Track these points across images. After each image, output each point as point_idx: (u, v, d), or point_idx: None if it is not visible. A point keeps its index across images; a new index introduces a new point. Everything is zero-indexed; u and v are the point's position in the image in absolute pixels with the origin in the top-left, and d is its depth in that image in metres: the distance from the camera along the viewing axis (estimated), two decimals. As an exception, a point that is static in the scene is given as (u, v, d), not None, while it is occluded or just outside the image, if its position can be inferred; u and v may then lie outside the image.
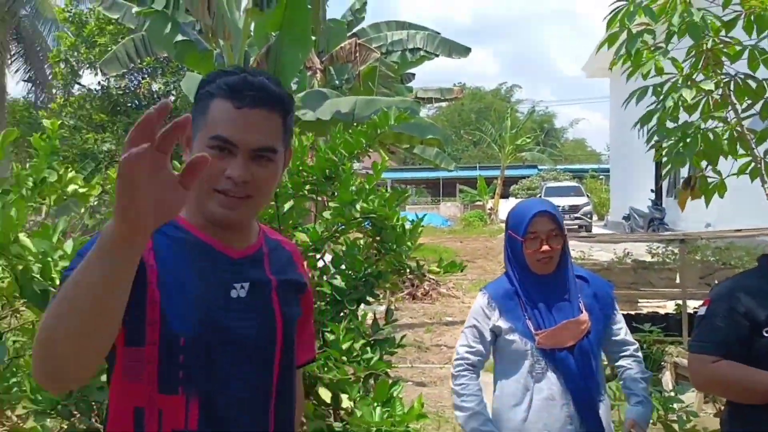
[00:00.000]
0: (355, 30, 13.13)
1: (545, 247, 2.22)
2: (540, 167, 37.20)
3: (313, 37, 9.72)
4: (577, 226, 20.71)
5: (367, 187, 2.86)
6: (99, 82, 17.88)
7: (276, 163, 1.21)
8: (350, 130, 3.04)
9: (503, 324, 2.29)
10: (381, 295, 8.20)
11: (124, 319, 1.04)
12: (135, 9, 9.72)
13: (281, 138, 1.22)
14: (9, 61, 21.56)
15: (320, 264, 2.94)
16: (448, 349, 6.98)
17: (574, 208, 21.87)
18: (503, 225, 2.63)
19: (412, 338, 7.07)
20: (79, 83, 18.72)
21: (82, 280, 0.93)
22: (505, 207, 27.43)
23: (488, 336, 2.33)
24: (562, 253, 2.29)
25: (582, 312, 2.26)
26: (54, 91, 20.49)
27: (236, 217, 1.20)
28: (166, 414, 1.13)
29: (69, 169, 3.25)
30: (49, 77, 20.89)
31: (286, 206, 2.80)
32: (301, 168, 2.89)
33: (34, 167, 3.08)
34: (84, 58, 17.29)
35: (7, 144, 2.06)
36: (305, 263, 2.88)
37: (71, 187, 3.05)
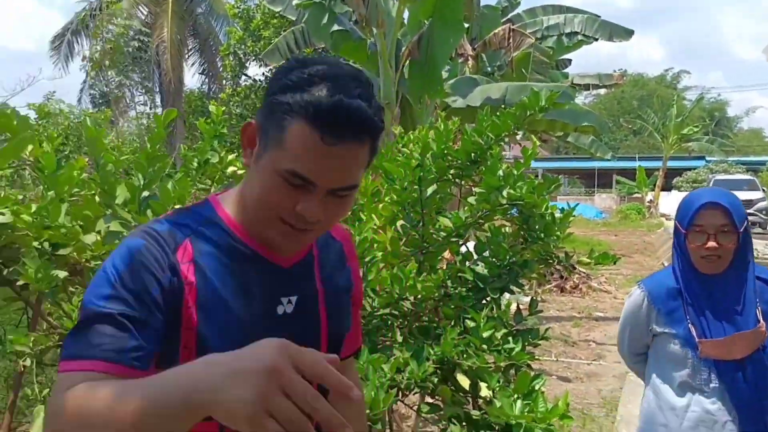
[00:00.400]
0: (509, 16, 12.84)
1: (711, 244, 1.96)
2: (708, 158, 34.41)
3: (466, 24, 9.61)
4: (749, 223, 18.97)
5: (515, 173, 2.76)
6: (263, 73, 18.98)
7: (354, 194, 1.04)
8: (498, 113, 2.96)
9: (662, 327, 2.10)
10: (527, 286, 7.99)
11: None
12: (295, 1, 10.15)
13: (365, 165, 1.05)
14: (186, 56, 23.47)
15: (463, 250, 2.90)
16: (597, 345, 6.66)
17: (747, 204, 20.09)
18: (663, 219, 2.42)
19: (559, 332, 6.83)
20: (245, 74, 19.99)
21: (120, 411, 0.78)
22: (666, 200, 25.72)
23: (646, 336, 2.15)
24: (740, 252, 2.01)
25: (759, 321, 1.98)
26: (224, 82, 22.06)
27: (296, 249, 1.07)
28: None
29: (231, 152, 3.45)
30: (220, 69, 22.50)
31: (429, 190, 2.78)
32: (446, 152, 2.85)
33: (199, 149, 3.32)
34: (250, 51, 18.43)
35: (167, 122, 2.22)
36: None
37: (230, 169, 3.24)
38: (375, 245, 2.64)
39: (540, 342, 2.67)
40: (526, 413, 2.15)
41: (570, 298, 9.32)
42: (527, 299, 2.91)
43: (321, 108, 0.93)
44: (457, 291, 2.65)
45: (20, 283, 2.13)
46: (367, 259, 2.52)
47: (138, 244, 0.97)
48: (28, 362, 2.07)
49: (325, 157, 0.95)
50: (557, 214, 2.78)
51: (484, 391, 2.36)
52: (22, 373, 2.16)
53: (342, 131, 0.94)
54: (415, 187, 2.78)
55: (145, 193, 1.99)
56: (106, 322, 0.90)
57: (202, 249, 1.01)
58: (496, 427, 2.41)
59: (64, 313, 2.14)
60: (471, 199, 2.79)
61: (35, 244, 2.22)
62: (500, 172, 2.74)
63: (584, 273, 10.27)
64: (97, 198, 2.14)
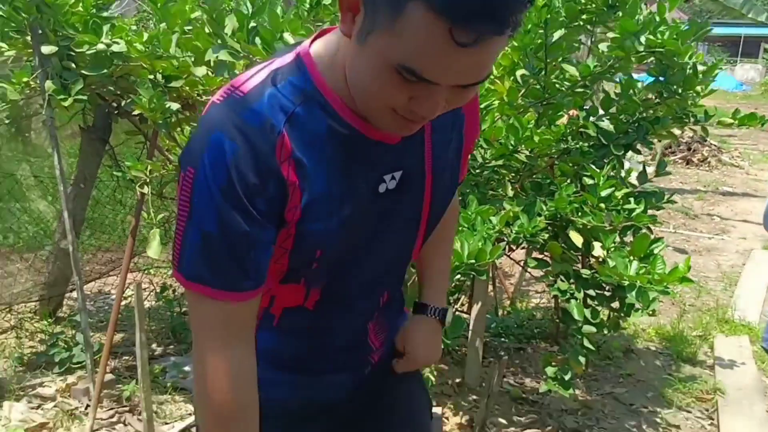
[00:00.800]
0: None
1: None
2: None
3: None
4: None
5: (657, 18, 2.44)
6: None
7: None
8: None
9: None
10: (649, 156, 7.53)
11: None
12: None
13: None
14: None
15: (587, 104, 2.67)
16: (721, 219, 6.27)
17: None
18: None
19: (680, 204, 6.46)
20: None
21: None
22: (821, 71, 23.03)
23: None
24: None
25: None
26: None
27: (408, 134, 0.88)
28: (279, 298, 0.99)
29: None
30: None
31: (556, 35, 2.52)
32: (579, -7, 2.55)
33: (312, -12, 3.18)
34: None
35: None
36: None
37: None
38: (491, 95, 2.47)
39: (664, 206, 2.49)
40: (641, 274, 2.03)
41: (696, 171, 8.75)
42: (651, 170, 2.67)
43: None
44: (577, 146, 2.47)
45: (136, 112, 2.17)
46: (482, 106, 2.36)
47: (232, 150, 0.81)
48: (146, 189, 2.16)
49: (454, 59, 0.70)
50: (701, 67, 2.47)
51: (598, 251, 2.24)
52: (141, 201, 2.26)
53: (481, 25, 0.67)
54: (540, 30, 2.53)
55: (252, 24, 1.91)
56: (224, 245, 0.84)
57: (300, 139, 0.85)
58: (606, 287, 2.32)
59: (178, 146, 2.17)
60: (603, 46, 2.51)
61: (149, 76, 2.23)
62: (639, 17, 2.43)
63: (715, 146, 9.55)
64: (206, 29, 2.09)
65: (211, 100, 0.86)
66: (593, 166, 2.38)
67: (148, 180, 2.10)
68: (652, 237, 2.21)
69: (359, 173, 0.90)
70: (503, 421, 2.68)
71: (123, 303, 3.43)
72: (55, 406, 2.60)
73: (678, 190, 7.34)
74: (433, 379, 2.45)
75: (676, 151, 9.23)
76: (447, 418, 2.66)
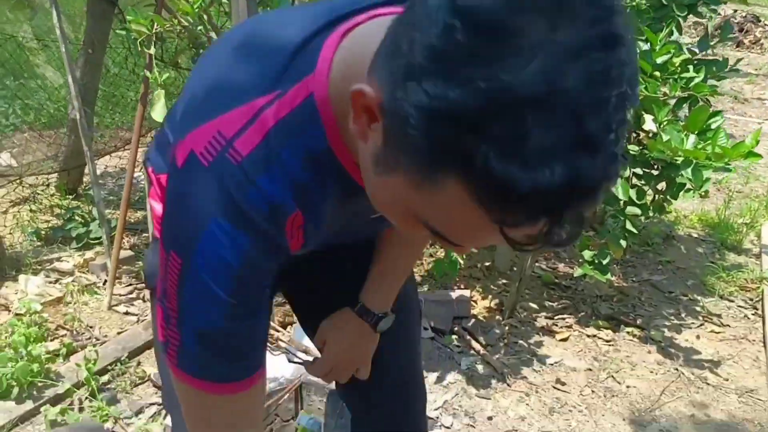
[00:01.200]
0: None
1: None
2: None
3: None
4: None
5: None
6: None
7: None
8: None
9: None
10: (696, 36, 7.02)
11: None
12: None
13: None
14: None
15: None
16: (773, 104, 5.89)
17: None
18: None
19: (729, 87, 6.07)
20: None
21: None
22: None
23: None
24: None
25: None
26: None
27: None
28: None
29: None
30: None
31: None
32: None
33: None
34: None
35: None
36: None
37: None
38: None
39: (726, 75, 2.24)
40: (699, 149, 1.82)
41: (748, 53, 8.17)
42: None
43: (533, 200, 0.48)
44: (632, 4, 2.19)
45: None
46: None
47: (239, 251, 0.67)
48: (152, 50, 1.96)
49: (495, 238, 0.55)
50: None
51: (649, 125, 2.02)
52: (150, 63, 2.07)
53: (542, 226, 0.52)
54: None
55: None
56: (231, 340, 0.75)
57: (309, 209, 0.71)
58: (655, 165, 2.12)
59: (189, 3, 1.95)
60: None
61: None
62: None
63: (769, 27, 8.88)
64: None
65: (190, 148, 0.65)
66: (649, 29, 2.12)
67: (153, 37, 1.90)
68: (711, 110, 1.99)
69: (361, 213, 0.82)
70: (534, 306, 2.57)
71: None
72: (72, 281, 2.55)
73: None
74: (461, 261, 2.33)
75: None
76: (475, 302, 2.56)
